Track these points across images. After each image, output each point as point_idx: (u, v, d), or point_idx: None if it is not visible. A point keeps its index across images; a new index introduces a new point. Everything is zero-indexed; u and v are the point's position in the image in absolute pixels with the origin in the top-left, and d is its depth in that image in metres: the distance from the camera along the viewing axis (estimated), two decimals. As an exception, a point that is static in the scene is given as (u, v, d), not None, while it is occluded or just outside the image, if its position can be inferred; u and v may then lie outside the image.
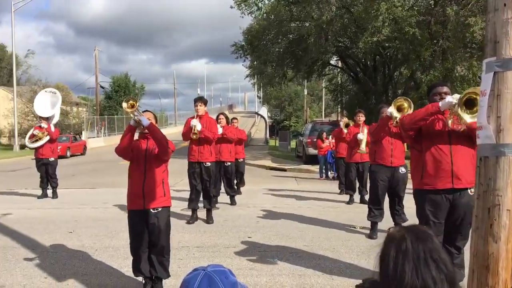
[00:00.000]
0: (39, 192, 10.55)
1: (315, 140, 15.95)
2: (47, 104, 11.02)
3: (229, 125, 9.46)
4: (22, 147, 31.31)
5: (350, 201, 9.22)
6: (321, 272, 4.75)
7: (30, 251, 5.75)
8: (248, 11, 22.38)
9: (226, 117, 9.18)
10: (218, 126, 8.15)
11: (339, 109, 38.09)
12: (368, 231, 6.46)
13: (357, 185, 9.37)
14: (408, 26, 16.40)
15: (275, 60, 23.76)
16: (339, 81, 31.46)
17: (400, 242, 1.49)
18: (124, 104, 4.14)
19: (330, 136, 13.85)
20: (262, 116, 59.02)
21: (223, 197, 9.15)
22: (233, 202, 9.13)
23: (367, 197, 8.36)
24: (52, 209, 8.88)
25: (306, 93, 46.32)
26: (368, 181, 7.20)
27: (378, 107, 6.78)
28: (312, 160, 17.94)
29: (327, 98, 48.76)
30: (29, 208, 9.02)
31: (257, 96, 68.91)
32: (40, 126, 10.38)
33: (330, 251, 5.55)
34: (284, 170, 17.57)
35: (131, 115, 4.18)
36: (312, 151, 18.06)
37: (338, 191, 10.57)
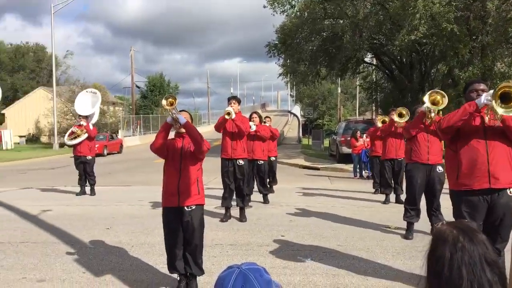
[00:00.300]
0: (77, 189, 10.87)
1: (349, 138, 15.77)
2: (88, 104, 11.38)
3: (262, 124, 9.47)
4: (61, 145, 32.31)
5: (386, 201, 9.08)
6: (355, 273, 4.70)
7: (69, 247, 5.93)
8: (281, 10, 22.34)
9: (259, 116, 9.20)
10: (251, 123, 8.19)
11: (374, 107, 37.54)
12: (403, 232, 6.33)
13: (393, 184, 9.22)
14: (446, 22, 15.96)
15: (308, 59, 23.60)
16: (374, 79, 30.97)
17: (455, 243, 1.44)
18: (164, 102, 4.19)
19: (365, 134, 13.66)
20: (295, 115, 58.83)
21: (256, 196, 9.17)
22: (266, 201, 9.14)
23: (402, 196, 8.21)
24: (90, 206, 9.13)
25: (339, 91, 45.89)
26: (404, 180, 7.07)
27: (413, 108, 6.65)
28: (345, 159, 17.75)
29: (361, 96, 48.15)
30: (68, 205, 9.30)
31: (290, 94, 68.75)
32: (79, 124, 10.72)
33: (364, 251, 5.48)
34: (317, 169, 17.45)
35: (170, 112, 4.22)
36: (346, 149, 17.86)
37: (373, 190, 10.42)
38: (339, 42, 20.52)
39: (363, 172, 14.49)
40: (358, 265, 4.96)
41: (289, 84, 49.71)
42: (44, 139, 45.60)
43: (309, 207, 8.55)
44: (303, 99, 63.63)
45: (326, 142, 28.43)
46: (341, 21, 20.03)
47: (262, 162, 9.03)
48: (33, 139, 46.98)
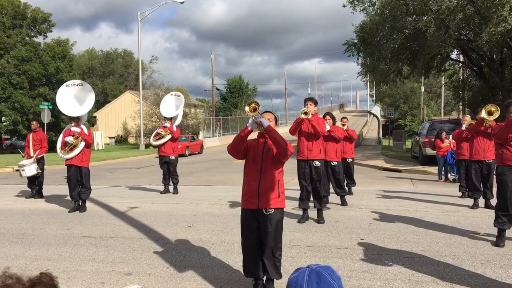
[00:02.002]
0: (162, 188, 11.38)
1: (433, 139, 15.06)
2: (172, 106, 11.88)
3: (335, 125, 9.33)
4: (147, 146, 34.06)
5: (474, 205, 8.55)
6: (440, 279, 4.47)
7: (154, 242, 6.22)
8: (361, 8, 21.85)
9: (332, 117, 9.08)
10: (326, 124, 8.11)
11: (461, 107, 35.51)
12: (493, 238, 5.93)
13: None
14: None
15: (389, 56, 22.86)
16: (461, 77, 29.30)
17: None
18: (247, 108, 4.17)
19: (451, 135, 12.99)
20: (374, 115, 57.29)
21: (334, 198, 9.05)
22: (344, 203, 8.99)
23: (493, 201, 7.68)
24: (173, 204, 9.51)
25: (423, 90, 43.96)
26: (495, 184, 6.61)
27: (505, 102, 6.15)
28: (429, 161, 17.00)
29: (447, 95, 45.75)
30: (153, 203, 9.77)
31: (369, 94, 67.07)
32: (164, 126, 11.25)
33: (450, 258, 5.20)
34: (399, 171, 16.85)
35: (253, 118, 4.20)
36: (429, 151, 17.08)
37: (459, 194, 9.86)
38: (422, 39, 19.65)
39: (449, 175, 13.76)
40: (444, 272, 4.71)
41: (368, 84, 48.51)
42: (131, 140, 48.35)
43: (390, 211, 8.28)
44: (383, 99, 61.75)
45: (408, 143, 27.40)
46: (425, 18, 19.15)
47: (336, 163, 8.91)
48: (121, 140, 50.03)
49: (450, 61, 26.54)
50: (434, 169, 14.91)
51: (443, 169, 13.71)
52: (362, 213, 8.10)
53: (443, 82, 38.72)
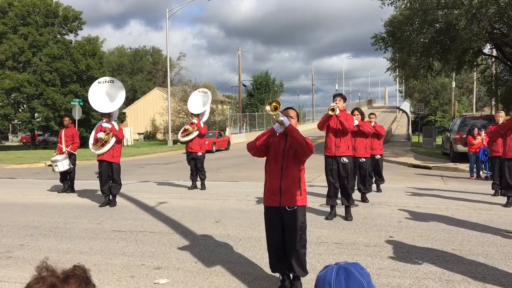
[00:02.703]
0: (189, 183, 11.49)
1: (464, 136, 14.71)
2: (199, 103, 11.97)
3: (364, 121, 9.23)
4: (175, 142, 34.45)
5: (508, 204, 8.31)
6: (472, 279, 4.37)
7: (182, 237, 6.29)
8: (390, 1, 21.51)
9: (361, 113, 8.98)
10: (354, 120, 8.02)
11: (493, 103, 34.57)
12: (529, 238, 5.76)
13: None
14: None
15: (420, 51, 22.43)
16: (493, 72, 28.50)
17: None
18: (267, 107, 4.15)
19: (483, 131, 12.65)
20: (404, 111, 56.41)
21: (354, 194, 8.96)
22: (365, 200, 8.90)
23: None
24: (201, 200, 9.59)
25: (454, 85, 42.99)
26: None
27: None
28: (461, 157, 16.61)
29: (479, 90, 44.62)
30: (181, 198, 9.88)
31: (399, 90, 66.03)
32: (191, 122, 11.34)
33: (482, 257, 5.07)
34: (429, 168, 16.53)
35: (274, 116, 4.17)
36: (461, 148, 16.69)
37: (492, 192, 9.61)
38: (453, 33, 19.20)
39: (481, 172, 13.42)
40: (476, 271, 4.60)
41: (397, 79, 47.71)
42: (159, 136, 49.02)
43: (419, 208, 8.14)
44: (413, 95, 60.68)
45: (439, 140, 26.86)
46: (456, 11, 18.69)
47: (364, 159, 8.84)
48: (150, 136, 50.74)
49: (483, 56, 25.85)
50: (465, 166, 14.57)
51: (474, 166, 13.39)
52: (391, 211, 7.99)
53: (475, 77, 37.79)
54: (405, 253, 5.32)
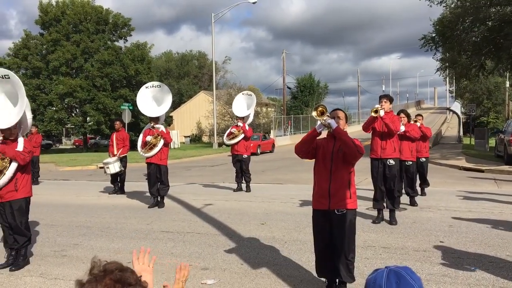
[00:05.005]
0: (235, 185, 11.60)
1: (520, 137, 14.05)
2: (244, 105, 12.07)
3: (410, 123, 8.99)
4: (220, 144, 34.86)
5: None
6: (529, 288, 4.17)
7: (228, 239, 6.36)
8: (438, 1, 20.90)
9: (407, 115, 8.75)
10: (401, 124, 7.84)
11: (552, 102, 32.84)
12: None
13: None
14: None
15: (471, 50, 21.62)
16: (552, 70, 27.06)
17: None
18: (314, 113, 4.12)
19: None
20: (454, 112, 54.53)
21: (402, 198, 8.74)
22: (414, 203, 8.67)
23: None
24: (246, 202, 9.66)
25: (508, 85, 41.14)
26: None
27: None
28: (516, 160, 15.89)
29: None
30: (226, 200, 9.98)
31: (449, 90, 63.91)
32: (237, 125, 11.46)
33: (540, 265, 4.83)
34: (481, 171, 15.89)
35: (321, 121, 4.14)
36: (516, 150, 15.96)
37: (551, 196, 9.13)
38: (507, 30, 18.39)
39: (538, 175, 12.77)
40: (533, 280, 4.39)
41: (447, 79, 46.21)
42: (205, 138, 49.76)
43: (472, 212, 7.85)
44: (463, 95, 58.57)
45: (492, 142, 25.79)
46: (509, 7, 17.91)
47: (410, 163, 8.63)
48: (195, 139, 51.64)
49: (540, 53, 24.60)
50: (521, 169, 13.91)
51: (531, 169, 12.76)
52: (441, 215, 7.75)
53: (531, 76, 35.99)
54: (456, 258, 5.14)
